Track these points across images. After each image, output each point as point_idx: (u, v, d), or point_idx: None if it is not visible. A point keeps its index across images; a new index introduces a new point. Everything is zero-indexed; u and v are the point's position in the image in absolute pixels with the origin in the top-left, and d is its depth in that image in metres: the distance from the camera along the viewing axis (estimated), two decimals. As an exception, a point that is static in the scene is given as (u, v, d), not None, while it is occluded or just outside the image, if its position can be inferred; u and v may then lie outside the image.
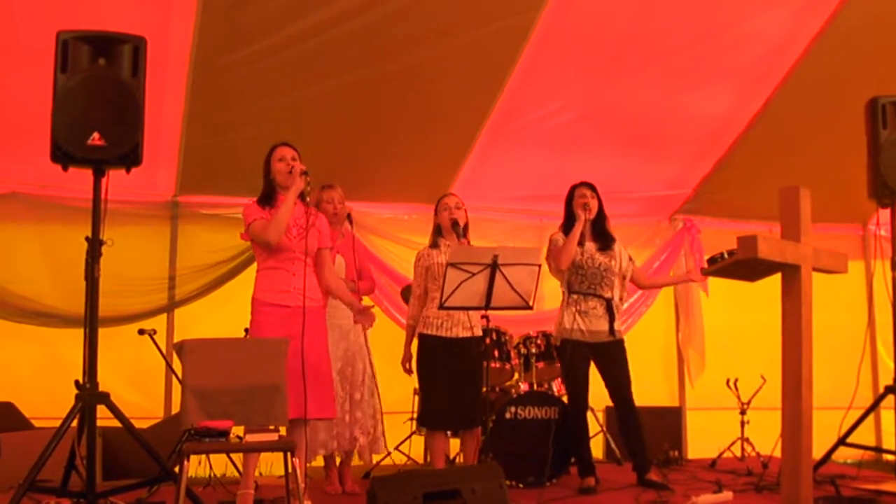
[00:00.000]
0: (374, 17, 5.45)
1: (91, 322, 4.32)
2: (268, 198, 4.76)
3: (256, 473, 6.06)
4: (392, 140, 6.47)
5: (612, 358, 5.71)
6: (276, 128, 5.86)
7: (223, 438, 3.93)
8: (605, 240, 5.79)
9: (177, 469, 4.02)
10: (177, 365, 4.63)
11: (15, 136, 5.72)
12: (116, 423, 4.36)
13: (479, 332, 5.47)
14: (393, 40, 5.68)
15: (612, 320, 5.72)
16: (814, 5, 5.96)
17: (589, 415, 5.91)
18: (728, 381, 6.91)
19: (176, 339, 5.99)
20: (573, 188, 5.84)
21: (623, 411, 5.73)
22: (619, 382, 5.68)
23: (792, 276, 3.21)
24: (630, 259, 5.93)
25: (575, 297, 5.72)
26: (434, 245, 5.57)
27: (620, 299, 5.91)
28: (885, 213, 5.80)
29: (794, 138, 6.79)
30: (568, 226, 5.77)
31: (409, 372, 5.60)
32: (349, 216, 5.53)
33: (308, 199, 4.75)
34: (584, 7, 5.76)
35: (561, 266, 5.67)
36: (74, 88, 4.19)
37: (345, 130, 6.26)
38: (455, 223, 5.45)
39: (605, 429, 6.99)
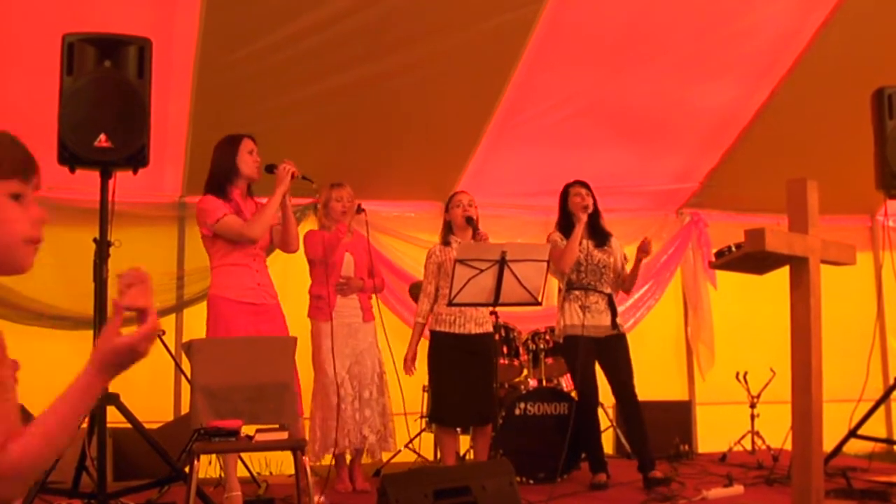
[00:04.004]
0: (378, 12, 5.46)
1: (100, 323, 4.34)
2: (221, 188, 4.76)
3: (267, 472, 6.10)
4: (398, 137, 6.47)
5: (615, 352, 5.70)
6: (281, 126, 5.88)
7: (233, 438, 3.93)
8: (601, 236, 5.81)
9: (187, 469, 4.03)
10: (186, 365, 4.64)
11: (21, 138, 5.71)
12: (126, 424, 4.37)
13: (489, 329, 5.47)
14: (397, 36, 5.68)
15: (614, 315, 5.74)
16: (818, -5, 5.96)
17: (599, 410, 5.92)
18: (738, 375, 6.90)
19: (184, 339, 6.01)
20: (567, 187, 5.85)
21: (627, 408, 5.72)
22: (622, 378, 5.67)
23: (800, 268, 3.20)
24: (625, 257, 5.93)
25: (576, 293, 5.72)
26: (446, 242, 5.59)
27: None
28: (893, 204, 5.77)
29: (801, 130, 6.77)
30: (564, 225, 5.79)
31: (409, 371, 5.60)
32: (360, 208, 5.51)
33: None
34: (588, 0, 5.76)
35: (564, 269, 5.67)
36: (81, 90, 4.20)
37: (351, 128, 6.27)
38: (469, 219, 5.46)
39: (615, 424, 6.99)
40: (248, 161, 4.81)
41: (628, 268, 5.88)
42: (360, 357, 5.56)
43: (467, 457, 6.11)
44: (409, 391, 6.38)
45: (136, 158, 4.29)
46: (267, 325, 4.69)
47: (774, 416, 6.42)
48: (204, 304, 6.51)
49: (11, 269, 1.59)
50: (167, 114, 5.67)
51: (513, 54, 5.96)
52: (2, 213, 1.52)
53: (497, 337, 5.56)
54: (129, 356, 1.54)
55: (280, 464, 6.13)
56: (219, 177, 4.79)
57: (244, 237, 4.65)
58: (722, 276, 7.45)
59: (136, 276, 1.57)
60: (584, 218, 5.65)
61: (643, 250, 5.64)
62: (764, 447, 6.79)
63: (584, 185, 5.79)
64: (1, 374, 1.51)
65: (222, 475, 5.54)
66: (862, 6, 5.89)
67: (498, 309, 5.16)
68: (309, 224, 6.47)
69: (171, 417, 6.28)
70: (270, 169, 4.84)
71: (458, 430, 5.75)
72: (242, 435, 4.02)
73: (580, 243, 5.69)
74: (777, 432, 6.15)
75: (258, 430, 4.07)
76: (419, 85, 6.05)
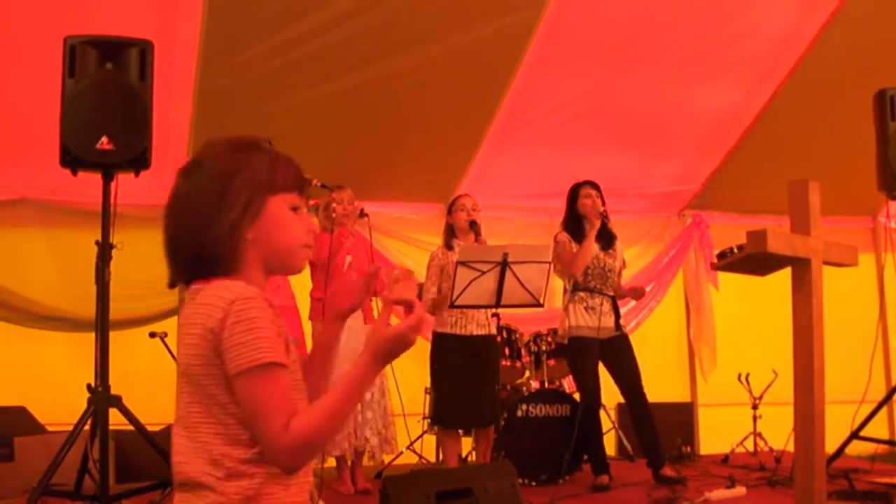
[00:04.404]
0: (380, 15, 5.47)
1: (102, 326, 4.34)
2: None
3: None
4: (400, 139, 6.47)
5: (621, 353, 5.72)
6: (284, 128, 5.86)
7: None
8: (607, 239, 5.83)
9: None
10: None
11: (24, 141, 5.74)
12: (129, 427, 4.37)
13: (493, 330, 5.47)
14: (399, 39, 5.69)
15: (617, 316, 5.77)
16: (819, -4, 5.96)
17: (601, 411, 5.92)
18: (740, 376, 6.89)
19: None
20: (577, 187, 5.86)
21: (636, 407, 5.73)
22: (630, 377, 5.71)
23: (802, 269, 3.19)
24: (623, 263, 5.98)
25: (581, 294, 5.74)
26: (448, 246, 5.59)
27: None
28: (895, 206, 5.78)
29: (802, 131, 6.77)
30: (571, 225, 5.81)
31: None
32: (363, 213, 5.51)
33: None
34: (589, 1, 5.76)
35: (575, 273, 5.68)
36: (82, 93, 4.21)
37: (353, 130, 6.27)
38: (473, 223, 5.47)
39: (616, 425, 6.98)
40: None
41: (624, 274, 5.95)
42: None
43: (469, 458, 6.11)
44: (412, 393, 6.39)
45: (138, 161, 4.30)
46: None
47: (777, 418, 6.41)
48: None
49: (290, 269, 1.86)
50: (169, 116, 5.67)
51: (514, 57, 5.96)
52: (285, 222, 1.78)
53: (499, 339, 5.56)
54: (399, 344, 1.69)
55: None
56: None
57: None
58: (724, 277, 7.44)
59: (402, 273, 1.76)
60: (598, 224, 5.66)
61: (636, 295, 5.92)
62: (766, 449, 6.78)
63: (594, 185, 5.81)
64: (288, 360, 1.69)
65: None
66: (863, 8, 5.89)
67: (500, 310, 5.16)
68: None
69: (173, 420, 6.27)
70: None
71: (461, 431, 5.75)
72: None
73: None
74: (779, 434, 6.13)
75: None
76: (421, 87, 6.04)
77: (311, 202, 6.34)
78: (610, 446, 6.73)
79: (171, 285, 1.85)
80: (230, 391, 1.65)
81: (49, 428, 5.66)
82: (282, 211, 1.77)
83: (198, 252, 1.73)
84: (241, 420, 1.66)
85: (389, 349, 1.68)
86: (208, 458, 1.68)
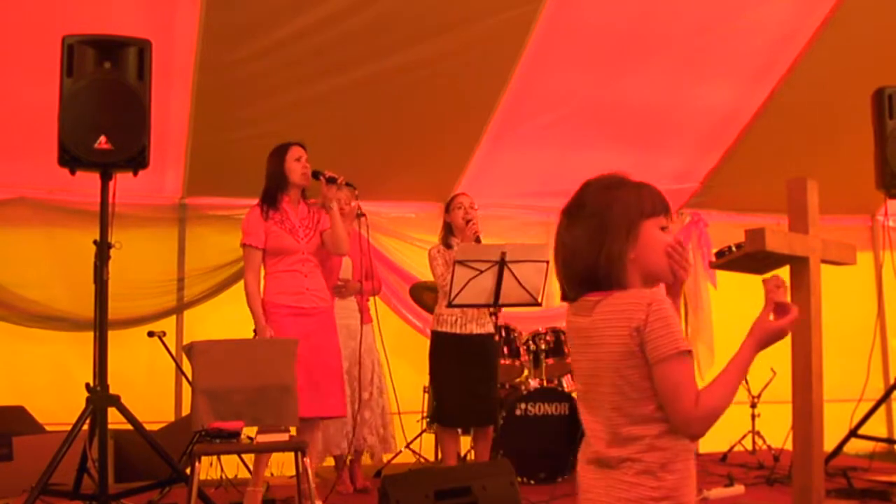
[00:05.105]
0: (378, 11, 5.45)
1: (101, 325, 4.34)
2: (273, 198, 4.79)
3: (268, 474, 6.09)
4: (398, 137, 6.46)
5: None
6: (282, 127, 5.86)
7: (234, 439, 3.94)
8: None
9: (188, 471, 4.03)
10: (186, 367, 4.64)
11: (22, 141, 5.74)
12: (128, 426, 4.37)
13: (492, 329, 5.47)
14: (396, 36, 5.67)
15: None
16: (818, -6, 5.96)
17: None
18: (738, 375, 6.88)
19: (185, 341, 6.01)
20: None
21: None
22: None
23: (800, 268, 3.20)
24: None
25: None
26: (446, 244, 5.56)
27: None
28: (894, 204, 5.76)
29: (801, 129, 6.76)
30: None
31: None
32: (360, 213, 5.51)
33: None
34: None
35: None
36: (81, 92, 4.21)
37: (351, 128, 6.26)
38: (470, 221, 5.46)
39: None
40: (295, 169, 4.83)
41: None
42: (360, 359, 5.55)
43: (468, 457, 6.11)
44: (410, 392, 6.39)
45: (137, 160, 4.29)
46: (316, 328, 4.70)
47: (775, 416, 6.41)
48: (205, 305, 6.57)
49: (664, 280, 2.14)
50: (167, 115, 5.67)
51: (513, 54, 5.95)
52: (657, 242, 2.08)
53: (497, 338, 5.56)
54: (779, 335, 2.12)
55: (281, 465, 6.13)
56: (270, 188, 4.84)
57: (246, 281, 4.72)
58: (722, 275, 7.43)
59: (779, 281, 2.18)
60: None
61: None
62: (764, 447, 6.79)
63: None
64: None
65: (223, 476, 5.55)
66: (861, 5, 5.88)
67: (498, 309, 5.15)
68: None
69: (171, 419, 6.27)
70: (316, 175, 4.85)
71: (459, 430, 5.75)
72: (244, 436, 4.03)
73: None
74: (778, 432, 6.14)
75: (259, 432, 4.07)
76: (419, 85, 6.04)
77: (311, 201, 6.35)
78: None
79: (564, 299, 2.16)
80: (650, 377, 1.97)
81: (47, 427, 5.66)
82: (654, 232, 2.08)
83: (592, 273, 2.05)
84: (657, 402, 1.98)
85: (770, 338, 2.11)
86: (623, 436, 2.00)
